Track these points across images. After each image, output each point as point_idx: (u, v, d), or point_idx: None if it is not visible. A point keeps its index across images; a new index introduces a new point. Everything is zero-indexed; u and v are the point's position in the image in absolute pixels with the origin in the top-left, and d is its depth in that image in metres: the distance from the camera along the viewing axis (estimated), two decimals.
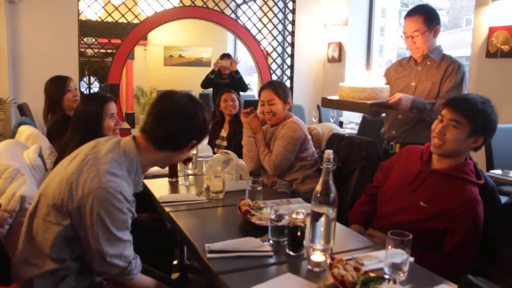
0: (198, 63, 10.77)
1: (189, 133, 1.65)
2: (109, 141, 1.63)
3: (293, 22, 6.47)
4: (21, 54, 5.28)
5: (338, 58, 6.38)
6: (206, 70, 6.59)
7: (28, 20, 5.27)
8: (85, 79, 5.80)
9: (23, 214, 1.92)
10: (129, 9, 5.61)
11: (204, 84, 6.06)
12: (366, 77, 2.55)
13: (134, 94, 10.94)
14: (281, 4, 6.44)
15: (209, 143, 4.04)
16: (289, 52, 6.53)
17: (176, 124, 1.61)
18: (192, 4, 5.93)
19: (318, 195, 1.58)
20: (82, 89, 5.67)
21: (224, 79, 5.75)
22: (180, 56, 11.10)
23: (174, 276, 3.06)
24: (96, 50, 5.79)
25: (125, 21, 5.66)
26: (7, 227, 1.90)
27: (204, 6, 5.98)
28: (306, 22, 6.58)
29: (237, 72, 5.86)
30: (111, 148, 1.58)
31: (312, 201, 1.60)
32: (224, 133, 3.94)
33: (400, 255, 1.40)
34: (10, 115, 4.99)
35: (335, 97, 2.62)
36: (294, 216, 1.57)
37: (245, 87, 5.93)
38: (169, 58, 11.03)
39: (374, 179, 2.28)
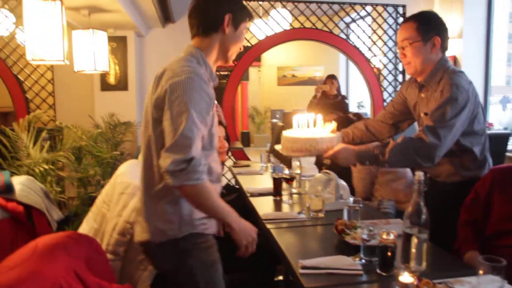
0: (310, 82, 10.92)
1: (214, 7, 1.74)
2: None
3: None
4: (146, 80, 5.86)
5: None
6: None
7: (151, 51, 5.84)
8: None
9: None
10: None
11: (309, 108, 6.16)
12: (307, 125, 2.23)
13: (249, 113, 11.39)
14: (390, 20, 6.35)
15: (316, 163, 4.12)
16: (400, 69, 6.40)
17: (200, 6, 1.76)
18: (302, 26, 6.09)
19: (410, 216, 1.60)
20: None
21: (330, 100, 5.79)
22: (293, 76, 11.37)
23: None
24: None
25: None
26: (128, 237, 2.18)
27: (313, 27, 6.11)
28: None
29: (336, 95, 5.84)
30: (176, 59, 1.75)
31: (403, 222, 1.62)
32: None
33: (494, 282, 1.36)
34: (136, 137, 5.54)
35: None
36: (384, 236, 1.60)
37: (344, 109, 5.80)
38: (282, 78, 11.35)
39: (470, 213, 2.08)
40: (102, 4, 4.12)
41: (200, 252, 1.72)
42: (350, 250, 1.82)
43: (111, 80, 5.60)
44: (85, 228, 2.39)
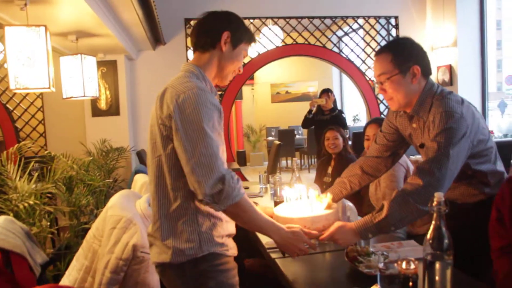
0: (304, 97, 10.88)
1: (214, 24, 1.75)
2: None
3: None
4: (138, 104, 5.75)
5: (449, 82, 6.02)
6: None
7: (143, 74, 5.74)
8: None
9: (136, 262, 2.03)
10: None
11: (304, 124, 5.93)
12: (299, 201, 2.02)
13: (244, 132, 11.28)
14: (383, 32, 6.29)
15: (316, 182, 3.99)
16: None
17: (201, 22, 1.76)
18: (294, 42, 6.02)
19: (430, 241, 1.45)
20: None
21: (325, 115, 5.58)
22: (286, 92, 11.32)
23: None
24: None
25: None
26: (122, 275, 2.02)
27: (306, 42, 6.04)
28: None
29: (333, 109, 5.58)
30: (175, 77, 1.70)
31: (424, 248, 1.47)
32: (330, 169, 3.87)
33: None
34: (130, 162, 5.39)
35: None
36: (404, 266, 1.45)
37: (343, 124, 5.41)
38: (276, 95, 11.29)
39: (501, 237, 1.84)
40: (90, 28, 4.00)
41: (219, 274, 1.66)
42: (365, 280, 1.67)
43: (102, 105, 5.47)
44: (75, 265, 2.23)
